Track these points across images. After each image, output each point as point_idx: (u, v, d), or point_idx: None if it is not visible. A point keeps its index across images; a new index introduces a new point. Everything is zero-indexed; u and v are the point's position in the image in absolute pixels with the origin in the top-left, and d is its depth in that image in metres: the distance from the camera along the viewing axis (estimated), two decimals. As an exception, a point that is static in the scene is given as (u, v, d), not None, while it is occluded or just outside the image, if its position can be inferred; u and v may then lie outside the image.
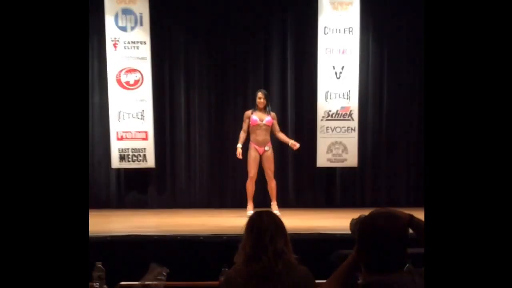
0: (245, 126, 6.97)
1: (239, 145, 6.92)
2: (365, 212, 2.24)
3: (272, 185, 6.98)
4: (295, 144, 6.97)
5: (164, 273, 3.18)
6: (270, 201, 7.07)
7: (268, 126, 6.92)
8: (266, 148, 6.90)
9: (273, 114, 7.03)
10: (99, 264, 3.29)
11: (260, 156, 6.89)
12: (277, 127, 7.05)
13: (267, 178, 6.94)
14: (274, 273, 2.43)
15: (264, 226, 2.50)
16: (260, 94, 6.93)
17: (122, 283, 3.46)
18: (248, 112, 6.97)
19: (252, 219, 2.59)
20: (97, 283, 3.25)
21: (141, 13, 7.54)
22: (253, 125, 6.90)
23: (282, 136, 7.09)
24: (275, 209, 6.84)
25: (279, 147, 7.85)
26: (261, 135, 6.90)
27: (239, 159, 6.96)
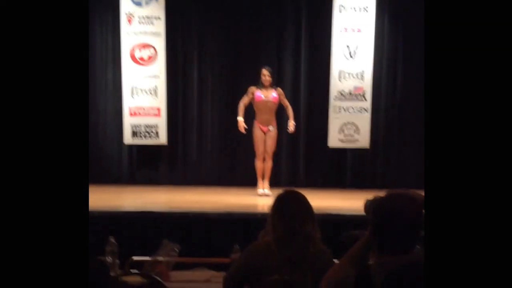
0: (245, 99, 6.82)
1: (240, 118, 6.79)
2: (377, 193, 2.24)
3: (268, 165, 6.90)
4: (291, 126, 6.86)
5: (176, 250, 3.22)
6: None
7: (274, 103, 6.80)
8: (270, 128, 6.82)
9: (279, 90, 6.89)
10: (112, 239, 3.33)
11: (264, 134, 6.84)
12: (285, 102, 6.92)
13: (265, 156, 6.88)
14: (306, 257, 2.46)
15: (294, 210, 2.51)
16: (265, 71, 6.75)
17: (134, 258, 3.50)
18: (253, 87, 6.81)
19: (281, 202, 2.58)
20: (110, 258, 3.28)
21: (155, -12, 7.51)
22: (258, 101, 6.77)
23: (289, 111, 6.94)
24: (266, 187, 6.85)
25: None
26: (266, 113, 6.76)
27: (244, 134, 6.88)
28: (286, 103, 6.95)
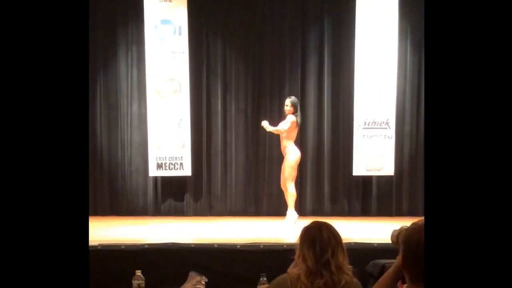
0: None
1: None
2: (402, 221, 2.23)
3: (285, 192, 6.87)
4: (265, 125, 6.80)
5: (203, 282, 3.22)
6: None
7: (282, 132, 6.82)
8: (286, 153, 6.82)
9: (288, 117, 6.76)
10: (138, 272, 3.35)
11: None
12: (279, 125, 6.81)
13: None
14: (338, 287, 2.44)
15: (325, 241, 2.49)
16: (286, 102, 6.90)
17: (161, 291, 3.51)
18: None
19: (310, 233, 2.56)
20: (137, 291, 3.30)
21: (180, 24, 7.65)
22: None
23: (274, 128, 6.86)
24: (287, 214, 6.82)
25: (316, 156, 7.86)
26: (281, 142, 6.87)
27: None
28: (278, 126, 6.82)
